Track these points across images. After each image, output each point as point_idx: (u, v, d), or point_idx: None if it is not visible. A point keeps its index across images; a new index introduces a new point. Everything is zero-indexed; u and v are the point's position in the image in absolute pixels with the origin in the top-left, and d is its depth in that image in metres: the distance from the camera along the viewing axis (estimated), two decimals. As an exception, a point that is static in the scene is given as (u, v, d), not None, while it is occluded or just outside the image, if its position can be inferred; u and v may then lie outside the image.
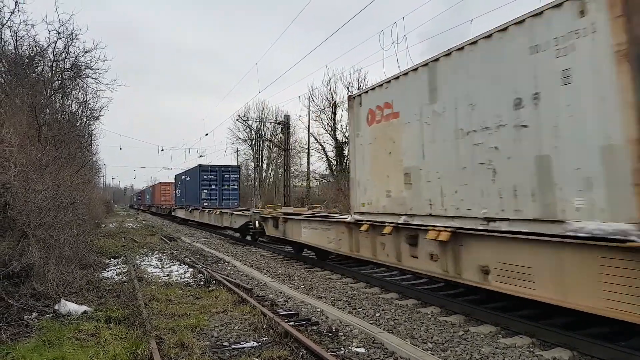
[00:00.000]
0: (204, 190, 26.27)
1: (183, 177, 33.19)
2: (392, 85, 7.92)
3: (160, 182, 49.67)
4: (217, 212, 21.49)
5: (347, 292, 8.44)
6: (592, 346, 4.94)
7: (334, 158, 39.36)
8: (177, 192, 36.42)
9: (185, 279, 10.00)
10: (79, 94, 22.44)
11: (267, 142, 45.13)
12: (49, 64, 18.05)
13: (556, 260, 4.93)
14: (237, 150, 51.72)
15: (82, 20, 26.94)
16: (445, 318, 6.63)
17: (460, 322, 6.41)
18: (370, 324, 6.31)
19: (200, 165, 27.30)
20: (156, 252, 14.81)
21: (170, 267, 11.74)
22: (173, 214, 36.33)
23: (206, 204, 25.90)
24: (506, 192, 5.55)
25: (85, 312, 6.79)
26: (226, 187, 26.99)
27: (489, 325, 6.17)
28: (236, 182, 27.66)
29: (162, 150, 58.82)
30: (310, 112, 37.98)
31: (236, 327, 6.17)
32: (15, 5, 15.48)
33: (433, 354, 5.07)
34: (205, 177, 26.52)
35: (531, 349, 5.23)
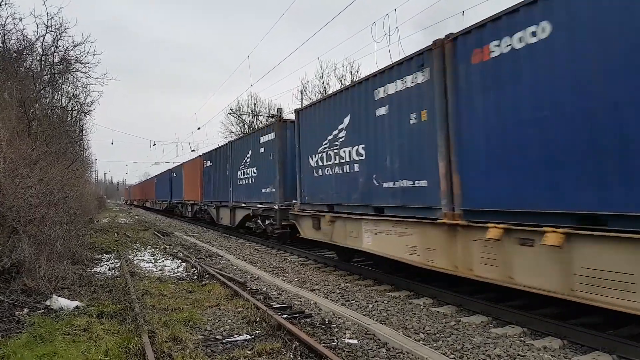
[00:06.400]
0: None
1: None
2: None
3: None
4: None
5: (340, 285, 8.47)
6: (582, 335, 5.00)
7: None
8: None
9: (179, 274, 9.98)
10: (69, 88, 22.21)
11: (260, 136, 45.06)
12: (38, 58, 17.80)
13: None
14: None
15: (71, 15, 26.65)
16: (437, 309, 6.67)
17: (452, 313, 6.45)
18: (363, 315, 6.33)
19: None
20: (149, 247, 14.76)
21: (163, 261, 11.69)
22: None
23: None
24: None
25: (77, 307, 6.75)
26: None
27: (480, 315, 6.22)
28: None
29: (154, 144, 59.06)
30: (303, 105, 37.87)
31: (229, 321, 6.17)
32: (2, -1, 15.21)
33: (425, 344, 5.10)
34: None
35: (522, 339, 5.28)
